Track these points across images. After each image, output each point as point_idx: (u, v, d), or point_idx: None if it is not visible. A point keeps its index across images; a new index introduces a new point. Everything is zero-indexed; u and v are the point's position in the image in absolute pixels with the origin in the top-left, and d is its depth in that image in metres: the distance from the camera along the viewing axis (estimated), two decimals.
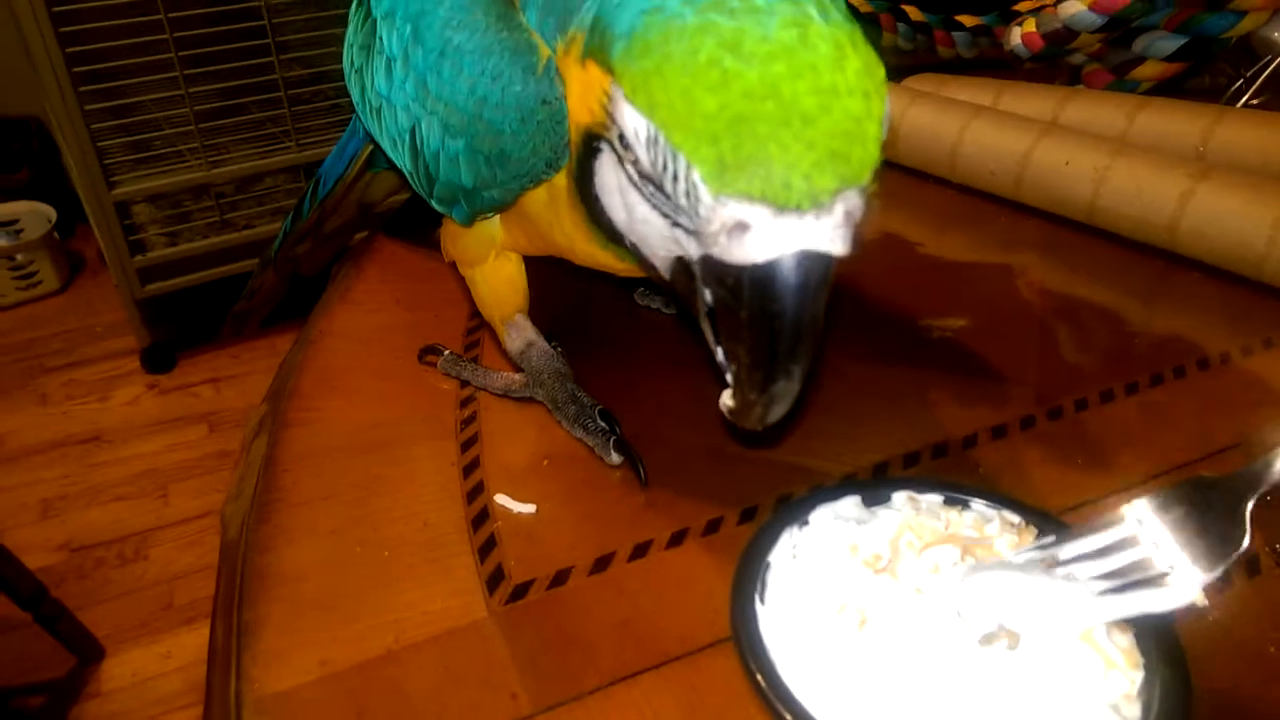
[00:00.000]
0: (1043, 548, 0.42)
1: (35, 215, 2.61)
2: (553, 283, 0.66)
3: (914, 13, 1.17)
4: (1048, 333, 0.72)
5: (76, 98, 2.00)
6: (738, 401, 0.45)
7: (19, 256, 2.55)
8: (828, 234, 0.38)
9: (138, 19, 2.01)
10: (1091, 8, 0.93)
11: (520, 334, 0.65)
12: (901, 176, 0.95)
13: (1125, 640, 0.40)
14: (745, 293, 0.40)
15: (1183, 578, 0.38)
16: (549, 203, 0.54)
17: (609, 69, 0.41)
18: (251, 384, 2.27)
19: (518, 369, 0.64)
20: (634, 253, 0.49)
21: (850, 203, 0.38)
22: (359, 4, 0.61)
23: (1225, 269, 0.75)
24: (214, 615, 0.53)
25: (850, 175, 0.37)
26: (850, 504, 0.47)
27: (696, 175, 0.38)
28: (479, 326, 0.71)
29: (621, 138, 0.42)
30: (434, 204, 0.59)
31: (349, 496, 0.55)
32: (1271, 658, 0.47)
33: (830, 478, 0.57)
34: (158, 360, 2.34)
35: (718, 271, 0.41)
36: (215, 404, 2.26)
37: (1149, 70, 0.97)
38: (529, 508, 0.55)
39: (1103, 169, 0.79)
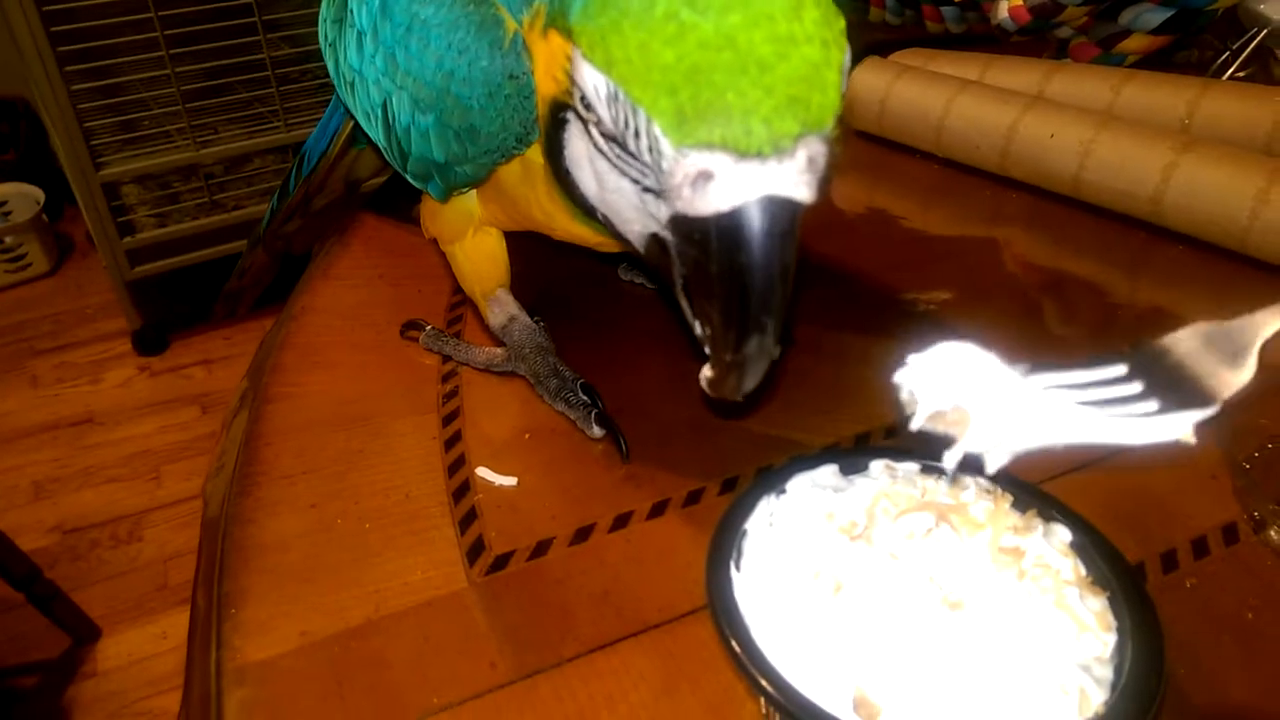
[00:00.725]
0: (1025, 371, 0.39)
1: (23, 197, 2.60)
2: (535, 257, 0.66)
3: None
4: (1031, 306, 0.72)
5: (62, 78, 1.99)
6: (715, 371, 0.44)
7: (7, 239, 2.54)
8: (792, 179, 0.38)
9: None
10: None
11: (502, 309, 0.65)
12: (888, 150, 0.95)
13: (1098, 604, 0.40)
14: (713, 245, 0.39)
15: (1176, 413, 0.35)
16: (523, 178, 0.53)
17: (568, 33, 0.41)
18: (243, 365, 2.21)
19: (500, 344, 0.64)
20: (607, 226, 0.48)
21: (813, 149, 0.38)
22: None
23: (1209, 241, 0.75)
24: (195, 587, 0.54)
25: (811, 120, 0.37)
26: (828, 472, 0.47)
27: (657, 128, 0.38)
28: (461, 301, 0.71)
29: (584, 100, 0.42)
30: (410, 179, 0.59)
31: (330, 470, 0.55)
32: (1249, 624, 0.47)
33: (812, 449, 0.57)
34: (149, 342, 2.34)
35: (686, 228, 0.40)
36: (207, 385, 2.25)
37: (1135, 43, 0.96)
38: (510, 480, 0.55)
39: (1087, 142, 0.79)
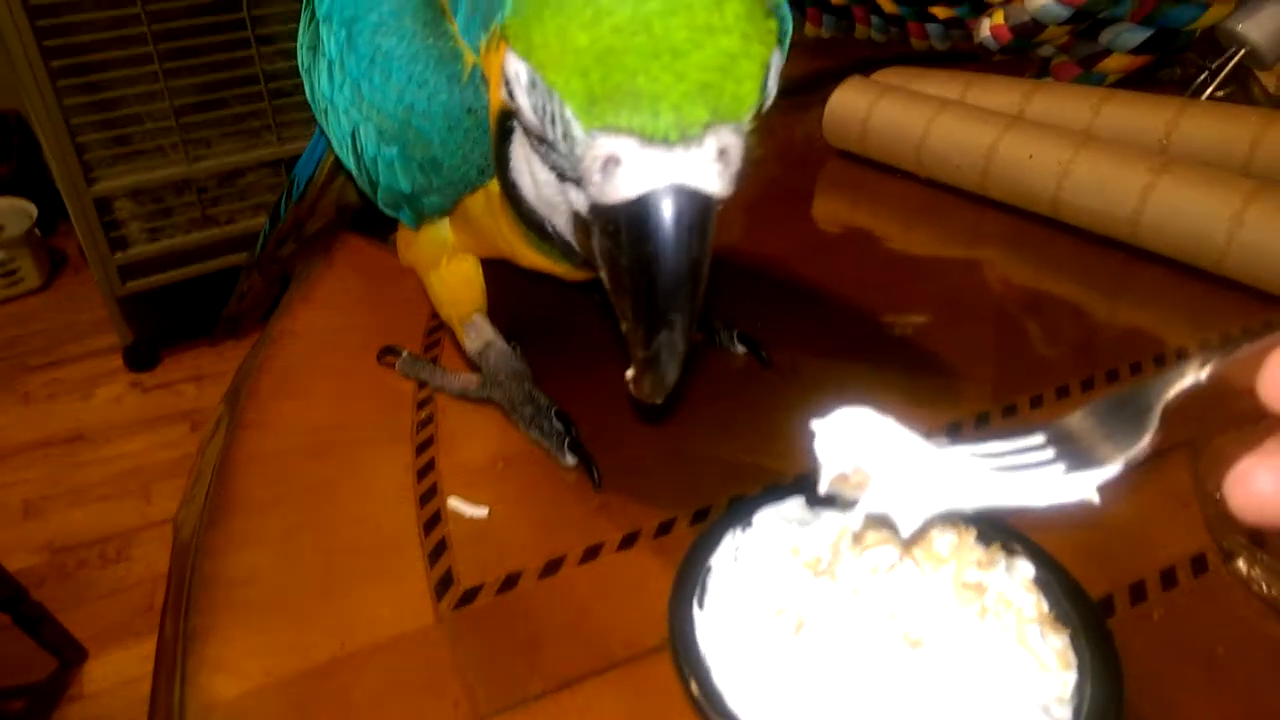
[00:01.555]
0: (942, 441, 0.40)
1: (16, 212, 2.60)
2: (513, 282, 0.66)
3: (887, 5, 1.17)
4: (1007, 328, 0.72)
5: (55, 92, 1.99)
6: (634, 370, 0.44)
7: (0, 254, 2.54)
8: (700, 168, 0.37)
9: (116, 12, 2.00)
10: (1058, 0, 0.93)
11: (479, 334, 0.65)
12: (870, 170, 0.95)
13: (1060, 641, 0.40)
14: (622, 235, 0.39)
15: (1082, 473, 0.36)
16: (487, 209, 0.54)
17: (504, 34, 0.41)
18: None
19: (476, 369, 0.64)
20: (550, 231, 0.49)
21: (724, 140, 0.37)
22: (306, 4, 0.60)
23: (1186, 262, 0.75)
24: (163, 618, 0.53)
25: (723, 109, 0.37)
26: (794, 505, 0.47)
27: (568, 111, 0.38)
28: (439, 326, 0.71)
29: (510, 91, 0.42)
30: (382, 208, 0.59)
31: (301, 500, 0.55)
32: (1216, 657, 0.47)
33: (785, 477, 0.57)
34: (141, 358, 2.33)
35: (600, 217, 0.40)
36: (198, 402, 2.25)
37: (1115, 63, 0.97)
38: (481, 511, 0.55)
39: (1066, 163, 0.79)
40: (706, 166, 0.37)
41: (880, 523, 0.38)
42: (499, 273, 0.64)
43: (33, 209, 2.59)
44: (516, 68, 0.40)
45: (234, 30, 2.13)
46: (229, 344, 2.39)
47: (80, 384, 2.32)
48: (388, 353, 0.67)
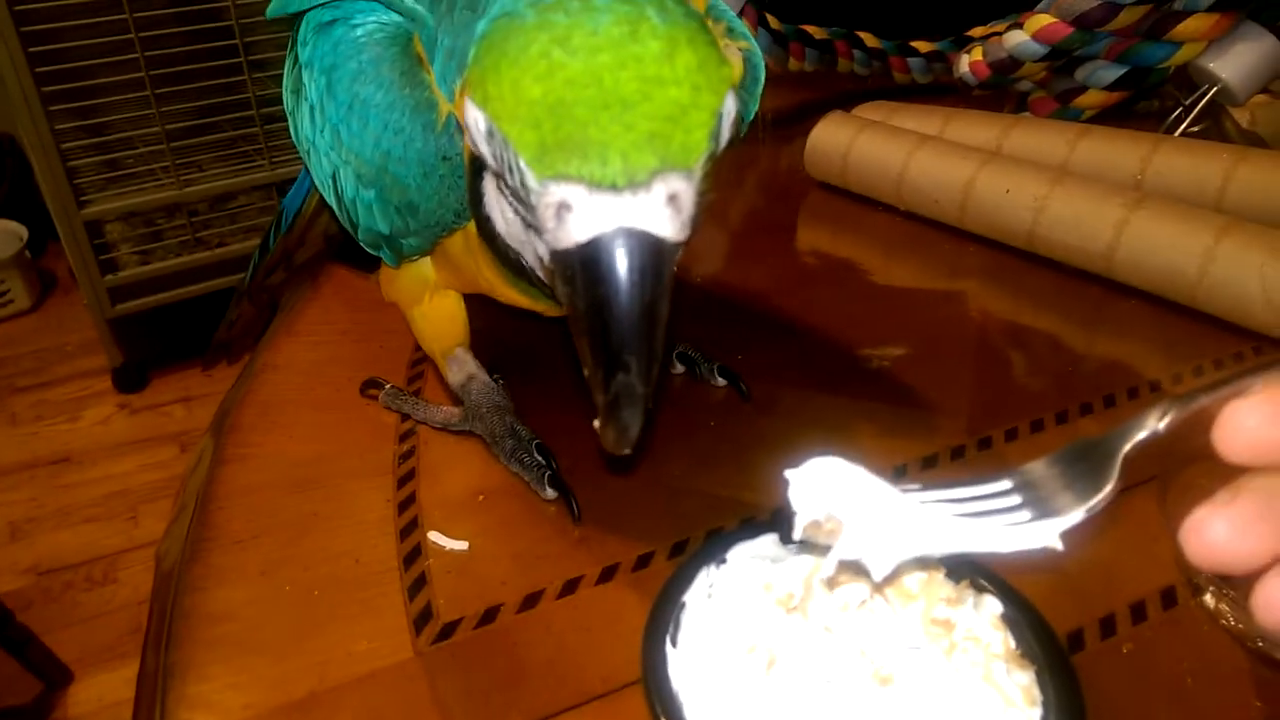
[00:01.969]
0: (913, 490, 0.41)
1: (6, 234, 2.60)
2: (495, 316, 0.67)
3: (869, 39, 1.19)
4: (984, 361, 0.73)
5: (46, 116, 2.00)
6: (599, 418, 0.45)
7: None
8: (649, 213, 0.38)
9: (109, 38, 2.01)
10: (1035, 37, 0.95)
11: (461, 367, 0.65)
12: (851, 202, 0.96)
13: (1025, 678, 0.41)
14: (577, 279, 0.40)
15: (1046, 521, 0.37)
16: (465, 247, 0.55)
17: (465, 83, 0.43)
18: None
19: (459, 402, 0.65)
20: (518, 267, 0.51)
21: (674, 186, 0.38)
22: (290, 47, 0.61)
23: (1161, 295, 0.77)
24: (144, 652, 0.54)
25: (671, 157, 0.38)
26: (768, 542, 0.48)
27: (522, 161, 0.39)
28: (423, 359, 0.72)
29: (473, 140, 0.43)
30: (363, 246, 0.60)
31: (282, 535, 0.56)
32: (1185, 690, 0.48)
33: (763, 511, 0.58)
34: (129, 379, 2.33)
35: (558, 263, 0.41)
36: (186, 423, 2.25)
37: (1091, 99, 0.99)
38: (461, 544, 0.55)
39: (1042, 198, 0.81)
40: (656, 211, 0.38)
41: (853, 568, 0.39)
42: (482, 307, 0.65)
43: (23, 231, 2.60)
44: (475, 116, 0.41)
45: (226, 56, 2.15)
46: (219, 366, 2.39)
47: (68, 405, 2.32)
48: (371, 385, 0.67)
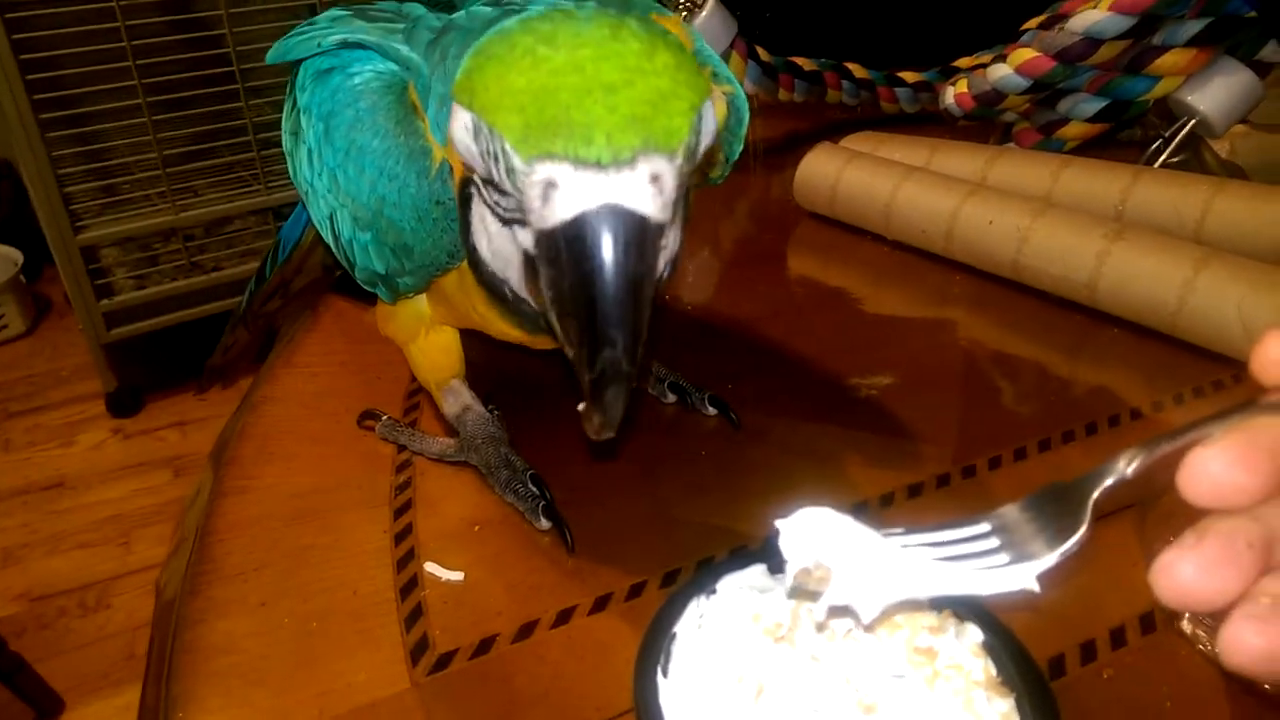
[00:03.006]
0: (895, 534, 0.42)
1: (2, 259, 2.61)
2: (490, 348, 0.68)
3: (858, 70, 1.21)
4: (969, 389, 0.75)
5: (43, 141, 2.02)
6: (584, 403, 0.46)
7: None
8: (633, 190, 0.39)
9: (106, 65, 2.03)
10: (1018, 71, 0.97)
11: (456, 399, 0.67)
12: (840, 231, 0.98)
13: (1005, 705, 0.42)
14: (563, 257, 0.41)
15: (1023, 565, 0.39)
16: (459, 285, 0.56)
17: (453, 96, 0.45)
18: (218, 427, 2.24)
19: (455, 433, 0.66)
20: (503, 296, 0.52)
21: (657, 166, 0.40)
22: (289, 90, 0.63)
23: (1142, 324, 0.78)
24: (144, 684, 0.54)
25: (654, 139, 0.39)
26: (757, 572, 0.49)
27: (508, 144, 0.40)
28: (419, 389, 0.73)
29: (462, 147, 0.44)
30: (360, 283, 0.62)
31: (281, 566, 0.57)
32: (1165, 714, 0.49)
33: (754, 539, 0.59)
34: (124, 404, 2.34)
35: (543, 245, 0.42)
36: (181, 448, 2.25)
37: (1074, 130, 1.01)
38: (457, 575, 0.56)
39: (1025, 229, 0.83)
40: (640, 188, 0.40)
41: (841, 612, 0.40)
42: (476, 339, 0.66)
43: (18, 256, 2.61)
44: (463, 119, 0.43)
45: (223, 82, 2.17)
46: (213, 390, 2.39)
47: (62, 430, 2.32)
48: (368, 417, 0.68)
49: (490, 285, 0.52)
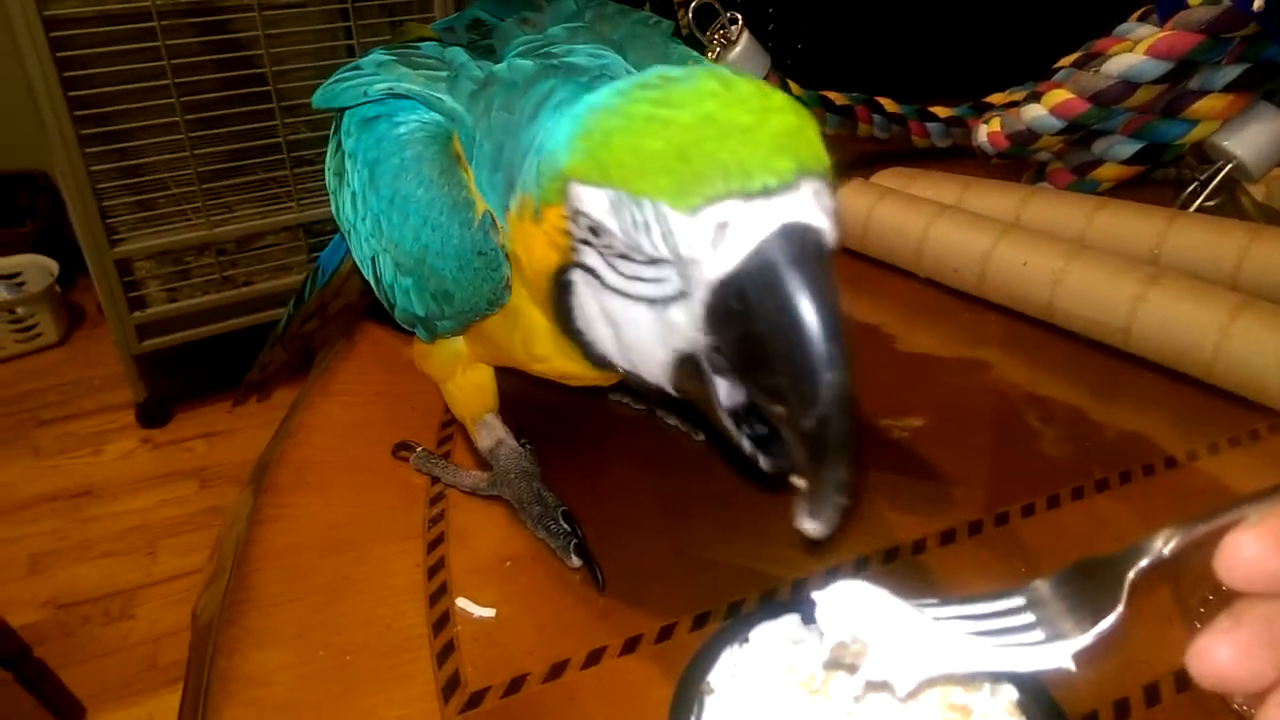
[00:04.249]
0: (930, 605, 0.42)
1: (38, 268, 2.66)
2: (525, 380, 0.69)
3: (889, 104, 1.21)
4: (1002, 434, 0.75)
5: (82, 156, 2.06)
6: (807, 478, 0.43)
7: (20, 309, 2.59)
8: (805, 208, 0.39)
9: (144, 83, 2.07)
10: (1052, 112, 0.97)
11: (490, 432, 0.67)
12: (871, 267, 0.98)
13: None
14: (751, 298, 0.39)
15: (1058, 643, 0.39)
16: (504, 326, 0.57)
17: (562, 184, 0.44)
18: (245, 439, 2.29)
19: (488, 466, 0.67)
20: (632, 378, 0.49)
21: (816, 187, 0.39)
22: (334, 131, 0.64)
23: (1177, 369, 0.78)
24: (180, 711, 0.55)
25: (806, 163, 0.39)
26: (790, 622, 0.49)
27: (664, 207, 0.39)
28: (453, 421, 0.74)
29: (592, 228, 0.43)
30: (399, 322, 0.63)
31: (316, 599, 0.57)
32: None
33: (783, 582, 0.59)
34: (153, 415, 2.37)
35: (720, 301, 0.40)
36: (208, 459, 2.28)
37: (1108, 172, 1.01)
38: (489, 612, 0.57)
39: (1059, 271, 0.82)
40: (810, 206, 0.39)
41: (879, 686, 0.40)
42: (512, 373, 0.67)
43: (54, 266, 2.65)
44: (596, 199, 0.42)
45: (258, 101, 2.21)
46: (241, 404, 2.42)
47: (91, 439, 2.35)
48: (402, 448, 0.69)
49: (600, 362, 0.50)
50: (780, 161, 0.39)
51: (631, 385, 0.51)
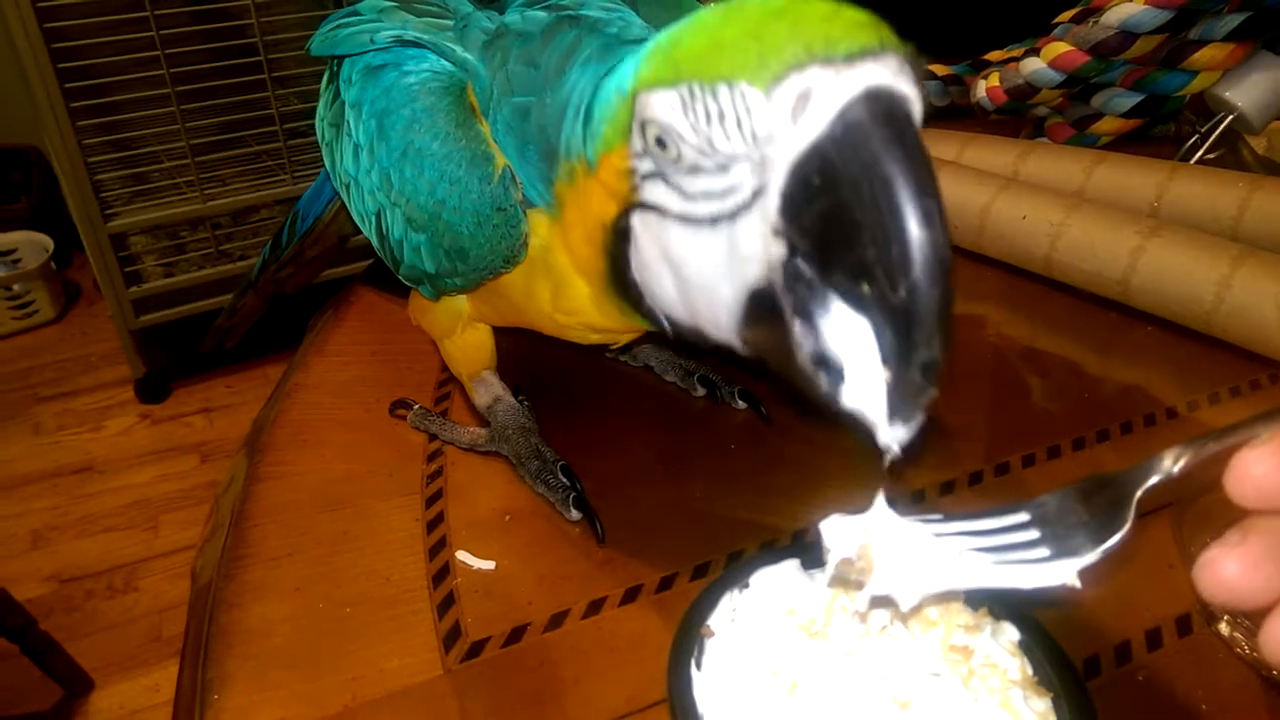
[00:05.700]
0: (936, 521, 0.41)
1: (33, 245, 2.64)
2: (522, 337, 0.69)
3: None
4: (1001, 386, 0.74)
5: (74, 130, 2.04)
6: (891, 372, 0.39)
7: (15, 286, 2.58)
8: (889, 73, 0.36)
9: (135, 55, 2.05)
10: (1051, 65, 0.96)
11: (488, 389, 0.67)
12: None
13: (1042, 705, 0.42)
14: (836, 164, 0.36)
15: (1064, 560, 0.38)
16: (522, 281, 0.56)
17: (626, 115, 0.42)
18: (244, 414, 2.29)
19: (486, 423, 0.66)
20: (689, 333, 0.47)
21: (900, 61, 0.37)
22: (329, 81, 0.63)
23: (1177, 322, 0.77)
24: (181, 666, 0.55)
25: (885, 40, 0.37)
26: (790, 567, 0.49)
27: (744, 85, 0.37)
28: (450, 379, 0.73)
29: (660, 143, 0.41)
30: (402, 279, 0.62)
31: (315, 552, 0.57)
32: (1204, 716, 0.49)
33: (783, 533, 0.59)
34: (151, 390, 2.36)
35: (798, 184, 0.37)
36: (207, 434, 2.28)
37: (1107, 125, 1.00)
38: (489, 564, 0.57)
39: (1058, 225, 0.82)
40: (895, 73, 0.36)
41: (882, 602, 0.40)
42: (511, 331, 0.67)
43: (49, 243, 2.64)
44: (669, 101, 0.39)
45: (250, 73, 2.18)
46: (239, 377, 2.42)
47: (90, 415, 2.34)
48: (399, 406, 0.69)
49: (656, 320, 0.48)
50: (861, 34, 0.37)
51: (685, 341, 0.48)
